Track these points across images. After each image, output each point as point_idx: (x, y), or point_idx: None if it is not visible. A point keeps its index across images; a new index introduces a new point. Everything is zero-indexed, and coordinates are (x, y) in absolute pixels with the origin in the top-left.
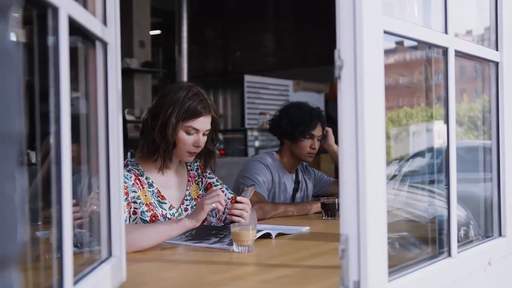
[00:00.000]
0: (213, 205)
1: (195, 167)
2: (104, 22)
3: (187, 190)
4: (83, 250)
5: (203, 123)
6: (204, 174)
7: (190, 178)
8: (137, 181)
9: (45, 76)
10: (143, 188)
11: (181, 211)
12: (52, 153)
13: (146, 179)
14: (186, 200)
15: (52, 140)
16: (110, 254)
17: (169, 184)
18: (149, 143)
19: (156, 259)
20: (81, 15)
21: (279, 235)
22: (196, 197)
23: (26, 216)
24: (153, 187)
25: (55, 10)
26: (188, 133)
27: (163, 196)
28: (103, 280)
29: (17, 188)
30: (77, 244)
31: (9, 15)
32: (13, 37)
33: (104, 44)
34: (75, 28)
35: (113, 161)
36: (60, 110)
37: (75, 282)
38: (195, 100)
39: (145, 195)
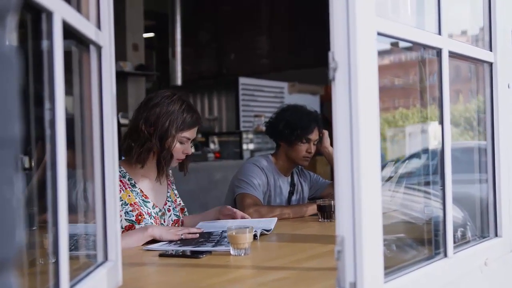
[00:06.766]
0: (183, 236)
1: (170, 172)
2: (98, 26)
3: (168, 192)
4: (78, 253)
5: (195, 132)
6: (173, 186)
7: (169, 182)
8: (119, 182)
9: (39, 79)
10: (126, 189)
11: (165, 210)
12: (47, 157)
13: (128, 180)
14: (168, 201)
15: (47, 144)
16: (106, 258)
17: (151, 187)
18: (145, 151)
19: (152, 263)
20: (75, 19)
21: (262, 235)
22: (173, 200)
23: (23, 219)
24: (136, 187)
25: (50, 14)
26: (181, 142)
27: (146, 195)
28: (99, 284)
29: (15, 192)
30: (71, 247)
31: (7, 20)
32: (10, 42)
33: (98, 48)
34: (69, 32)
35: (108, 166)
36: (55, 114)
37: (71, 286)
38: (189, 111)
39: (129, 196)
